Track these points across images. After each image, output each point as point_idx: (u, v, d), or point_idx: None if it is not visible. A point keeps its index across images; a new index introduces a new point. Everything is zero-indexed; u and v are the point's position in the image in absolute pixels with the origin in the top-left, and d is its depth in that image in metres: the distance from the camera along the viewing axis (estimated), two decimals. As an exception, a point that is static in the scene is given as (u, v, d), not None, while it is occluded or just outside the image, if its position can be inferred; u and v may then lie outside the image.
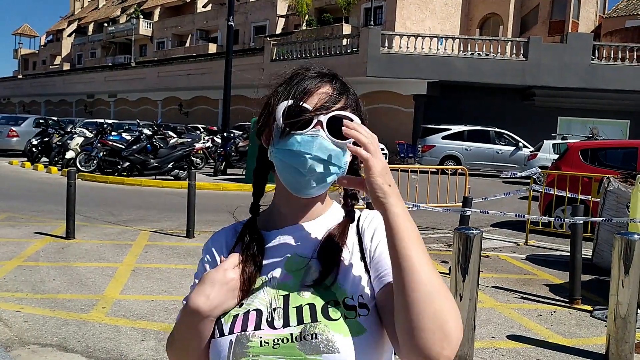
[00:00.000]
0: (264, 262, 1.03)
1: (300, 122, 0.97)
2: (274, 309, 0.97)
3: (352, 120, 0.97)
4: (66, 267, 6.06)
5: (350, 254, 1.03)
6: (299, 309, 0.96)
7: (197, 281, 1.03)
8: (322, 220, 1.07)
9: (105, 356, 3.81)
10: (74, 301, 4.92)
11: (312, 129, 0.97)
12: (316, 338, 0.92)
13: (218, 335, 0.98)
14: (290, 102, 0.99)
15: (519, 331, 4.67)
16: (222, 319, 0.98)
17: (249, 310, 0.98)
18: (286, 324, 0.95)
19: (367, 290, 0.98)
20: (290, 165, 0.98)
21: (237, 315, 0.98)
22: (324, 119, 0.97)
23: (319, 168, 0.97)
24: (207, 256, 1.10)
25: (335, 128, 0.96)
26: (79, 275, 5.73)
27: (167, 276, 5.86)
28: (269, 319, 0.96)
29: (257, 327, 0.96)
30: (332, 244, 1.02)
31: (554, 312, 5.25)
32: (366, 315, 0.95)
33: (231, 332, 0.96)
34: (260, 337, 0.94)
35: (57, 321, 4.40)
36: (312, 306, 0.96)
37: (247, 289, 1.00)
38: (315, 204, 1.07)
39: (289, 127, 0.97)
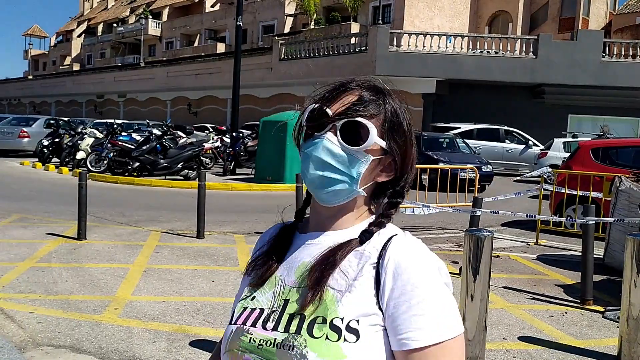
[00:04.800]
0: (284, 262, 1.06)
1: (317, 125, 0.99)
2: (273, 311, 1.00)
3: (366, 128, 0.97)
4: (78, 268, 6.11)
5: (359, 271, 0.97)
6: (291, 317, 0.97)
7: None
8: (344, 233, 1.04)
9: (118, 357, 3.83)
10: (87, 302, 4.96)
11: (324, 132, 0.98)
12: (292, 350, 0.92)
13: (229, 322, 1.05)
14: (315, 105, 1.00)
15: (531, 332, 4.66)
16: (236, 308, 1.06)
17: (255, 308, 1.02)
18: (275, 328, 0.97)
19: (369, 321, 0.94)
20: (302, 165, 1.01)
21: (246, 308, 1.03)
22: (338, 123, 0.97)
23: (320, 171, 0.98)
24: (252, 253, 1.17)
25: (352, 134, 0.97)
26: (91, 276, 5.77)
27: (178, 277, 5.89)
28: (265, 320, 0.99)
29: (253, 324, 1.00)
30: (326, 263, 0.98)
31: (566, 313, 5.23)
32: (353, 343, 0.91)
33: (235, 322, 1.03)
34: (251, 335, 0.98)
35: (70, 322, 4.44)
36: (302, 317, 0.95)
37: (258, 282, 1.06)
38: (343, 214, 1.04)
39: (309, 130, 1.00)
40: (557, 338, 4.54)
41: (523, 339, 4.50)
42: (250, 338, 0.98)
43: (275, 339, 0.95)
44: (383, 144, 1.00)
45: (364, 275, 0.97)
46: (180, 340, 4.16)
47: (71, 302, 4.96)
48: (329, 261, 0.98)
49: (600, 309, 5.32)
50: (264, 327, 0.98)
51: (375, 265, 0.97)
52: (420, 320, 0.91)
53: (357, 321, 0.93)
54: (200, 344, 4.12)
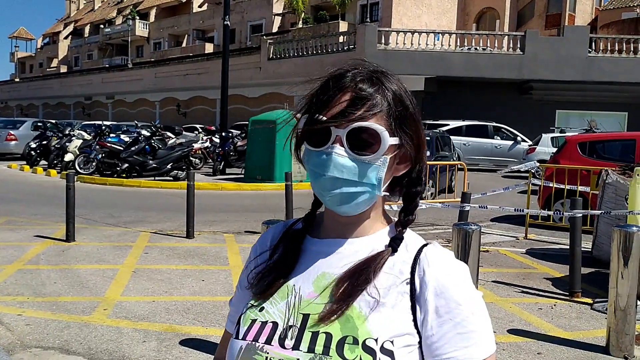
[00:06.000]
0: (297, 270, 0.97)
1: (318, 138, 0.89)
2: (290, 327, 0.90)
3: (375, 131, 0.88)
4: (67, 269, 6.06)
5: (388, 289, 0.91)
6: (314, 335, 0.88)
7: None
8: (367, 240, 0.96)
9: (108, 358, 3.82)
10: (76, 304, 4.93)
11: (329, 146, 0.88)
12: None
13: (234, 336, 0.95)
14: (306, 116, 0.91)
15: (520, 325, 4.69)
16: (242, 319, 0.95)
17: (267, 321, 0.92)
18: (296, 346, 0.88)
19: (403, 341, 0.88)
20: (314, 184, 0.92)
21: (255, 321, 0.93)
22: (342, 133, 0.87)
23: (339, 188, 0.89)
24: (251, 255, 1.07)
25: (360, 140, 0.88)
26: (79, 278, 5.74)
27: (168, 277, 5.87)
28: (282, 336, 0.90)
29: (268, 341, 0.90)
30: (358, 278, 0.90)
31: (554, 305, 5.27)
32: None
33: (244, 337, 0.92)
34: (268, 353, 0.89)
35: (59, 324, 4.41)
36: (328, 336, 0.87)
37: (267, 290, 0.96)
38: (364, 219, 0.96)
39: (309, 143, 0.91)
40: (546, 330, 4.58)
41: (512, 331, 4.53)
42: (267, 357, 0.88)
43: (298, 359, 0.87)
44: (396, 140, 0.90)
45: (396, 292, 0.90)
46: (170, 340, 4.15)
47: (60, 303, 4.92)
48: (362, 276, 0.90)
49: (589, 300, 5.37)
50: (281, 344, 0.89)
51: (408, 281, 0.91)
52: (465, 338, 0.87)
53: (392, 342, 0.87)
54: (190, 343, 4.11)
